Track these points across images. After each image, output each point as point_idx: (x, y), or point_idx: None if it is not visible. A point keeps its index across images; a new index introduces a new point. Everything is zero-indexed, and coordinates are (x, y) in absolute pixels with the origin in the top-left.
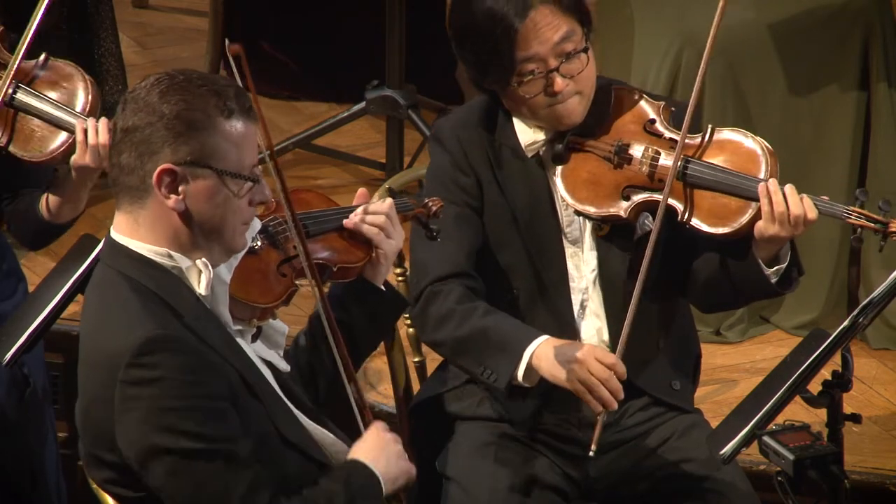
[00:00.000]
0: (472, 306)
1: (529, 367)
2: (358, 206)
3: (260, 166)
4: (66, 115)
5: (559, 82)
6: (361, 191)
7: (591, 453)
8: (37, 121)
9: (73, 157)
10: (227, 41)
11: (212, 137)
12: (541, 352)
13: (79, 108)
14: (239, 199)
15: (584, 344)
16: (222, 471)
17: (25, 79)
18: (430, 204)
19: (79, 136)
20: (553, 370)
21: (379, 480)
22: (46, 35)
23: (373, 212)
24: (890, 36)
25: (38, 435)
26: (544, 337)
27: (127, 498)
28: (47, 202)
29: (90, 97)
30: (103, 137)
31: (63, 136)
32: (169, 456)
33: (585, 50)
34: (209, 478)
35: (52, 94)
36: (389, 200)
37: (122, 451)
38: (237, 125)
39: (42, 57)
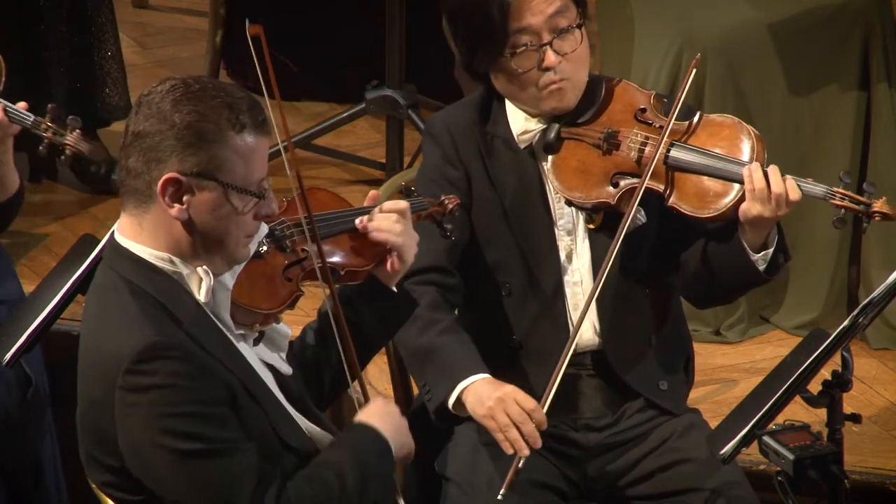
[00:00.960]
0: (436, 318)
1: (459, 400)
2: (369, 207)
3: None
4: None
5: (551, 56)
6: (372, 193)
7: (499, 497)
8: None
9: None
10: (247, 21)
11: (221, 150)
12: (473, 387)
13: None
14: (243, 215)
15: (511, 386)
16: (228, 464)
17: None
18: (447, 202)
19: None
20: (474, 406)
21: (388, 442)
22: (46, 36)
23: (386, 227)
24: (890, 36)
25: (38, 434)
26: (483, 375)
27: (125, 501)
28: None
29: None
30: None
31: None
32: (171, 456)
33: (580, 27)
34: (215, 473)
35: None
36: (404, 204)
37: (125, 457)
38: (248, 139)
39: None
